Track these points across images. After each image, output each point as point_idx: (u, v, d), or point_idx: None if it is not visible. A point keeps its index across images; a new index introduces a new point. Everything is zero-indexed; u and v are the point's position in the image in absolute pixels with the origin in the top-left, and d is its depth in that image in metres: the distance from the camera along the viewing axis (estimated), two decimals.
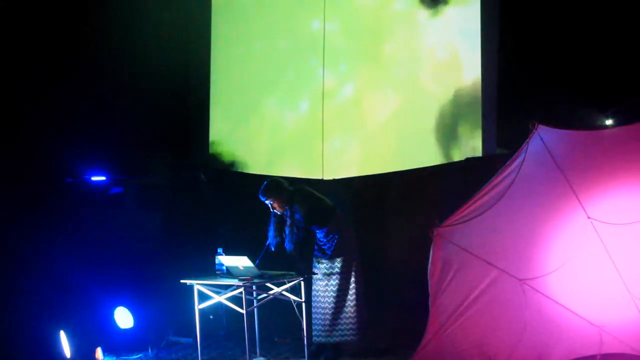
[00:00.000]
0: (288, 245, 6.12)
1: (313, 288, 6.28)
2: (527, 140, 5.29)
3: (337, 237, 6.20)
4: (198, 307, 6.05)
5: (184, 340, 6.85)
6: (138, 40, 7.85)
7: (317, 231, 6.25)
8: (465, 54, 7.40)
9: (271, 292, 6.07)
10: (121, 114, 7.82)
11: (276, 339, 6.81)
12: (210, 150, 8.82)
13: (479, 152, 7.24)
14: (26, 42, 7.38)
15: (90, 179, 7.74)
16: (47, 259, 6.58)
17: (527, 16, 7.08)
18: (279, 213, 6.19)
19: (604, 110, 7.12)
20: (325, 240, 6.23)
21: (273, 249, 6.23)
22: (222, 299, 6.01)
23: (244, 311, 5.80)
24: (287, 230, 6.13)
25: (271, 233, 6.24)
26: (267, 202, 6.19)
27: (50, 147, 7.30)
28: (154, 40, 7.98)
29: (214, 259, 6.23)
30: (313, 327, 6.23)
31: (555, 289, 5.57)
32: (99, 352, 6.32)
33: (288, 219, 6.14)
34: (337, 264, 6.19)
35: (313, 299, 6.26)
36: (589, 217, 5.41)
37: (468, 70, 7.36)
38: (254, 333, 6.25)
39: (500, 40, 7.29)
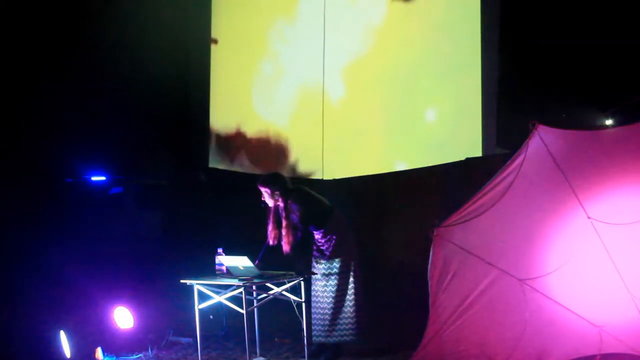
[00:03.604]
0: (284, 247, 6.11)
1: (312, 288, 6.28)
2: (527, 140, 5.29)
3: (335, 237, 6.19)
4: (198, 307, 6.05)
5: (184, 340, 6.84)
6: (138, 40, 7.86)
7: (315, 232, 6.24)
8: (466, 53, 7.39)
9: (271, 292, 6.07)
10: (121, 114, 7.82)
11: (276, 339, 6.81)
12: (210, 150, 8.82)
13: (479, 152, 7.24)
14: (26, 42, 7.38)
15: (90, 179, 7.75)
16: (47, 258, 6.58)
17: (528, 16, 7.08)
18: (269, 205, 6.19)
19: (604, 110, 7.12)
20: (323, 241, 6.23)
21: (272, 243, 6.20)
22: (222, 299, 6.01)
23: (244, 311, 5.79)
24: (283, 232, 6.12)
25: (270, 227, 6.22)
26: (261, 189, 6.19)
27: (50, 147, 7.30)
28: (154, 40, 7.98)
29: (214, 259, 6.23)
30: (313, 327, 6.23)
31: (555, 289, 5.57)
32: (99, 352, 6.32)
33: (284, 220, 6.13)
34: (336, 264, 6.19)
35: (312, 299, 6.26)
36: (589, 217, 5.41)
37: (468, 69, 7.35)
38: (254, 333, 6.25)
39: (501, 40, 7.28)
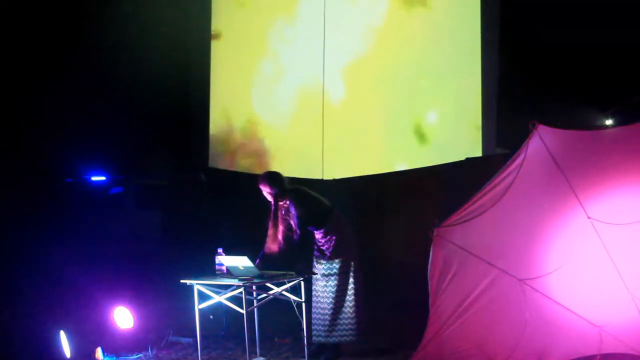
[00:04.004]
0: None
1: (313, 288, 6.28)
2: (527, 140, 5.29)
3: (335, 237, 6.19)
4: (198, 307, 6.05)
5: (184, 340, 6.84)
6: (138, 40, 7.86)
7: (315, 232, 6.24)
8: (466, 53, 7.40)
9: (271, 292, 6.07)
10: (121, 114, 7.82)
11: (276, 339, 6.81)
12: (210, 150, 8.82)
13: (479, 152, 7.24)
14: (27, 42, 7.39)
15: (90, 179, 7.75)
16: (47, 258, 6.58)
17: (528, 16, 7.08)
18: (270, 201, 6.19)
19: (604, 110, 7.12)
20: (323, 241, 6.23)
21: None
22: (222, 299, 6.01)
23: (244, 311, 5.79)
24: (277, 231, 6.11)
25: (270, 224, 6.21)
26: (260, 188, 6.19)
27: (50, 147, 7.31)
28: (154, 40, 7.98)
29: (214, 259, 6.23)
30: (313, 327, 6.23)
31: (555, 289, 5.57)
32: (98, 352, 6.32)
33: (279, 222, 6.12)
34: (336, 264, 6.19)
35: (313, 299, 6.26)
36: (589, 217, 5.41)
37: (468, 70, 7.36)
38: (254, 333, 6.25)
39: (501, 40, 7.29)
